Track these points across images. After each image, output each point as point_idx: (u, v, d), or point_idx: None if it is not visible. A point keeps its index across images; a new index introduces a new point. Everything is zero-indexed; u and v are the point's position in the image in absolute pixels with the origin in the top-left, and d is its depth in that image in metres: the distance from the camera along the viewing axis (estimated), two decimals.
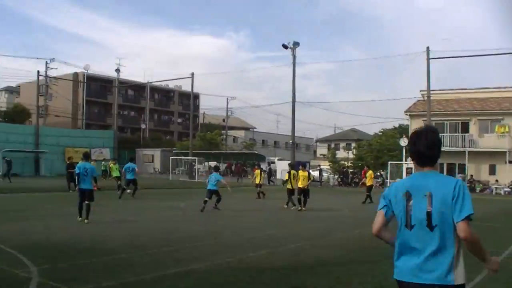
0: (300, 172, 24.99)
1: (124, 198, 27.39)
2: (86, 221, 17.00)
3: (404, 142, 54.96)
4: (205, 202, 22.54)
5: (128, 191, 28.58)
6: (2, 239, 12.72)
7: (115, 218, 18.93)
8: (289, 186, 25.74)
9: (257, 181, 32.70)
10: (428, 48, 51.06)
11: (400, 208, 4.34)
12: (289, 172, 26.19)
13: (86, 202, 17.31)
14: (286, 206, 25.46)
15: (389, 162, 55.60)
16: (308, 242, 14.30)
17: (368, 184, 31.48)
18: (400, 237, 4.35)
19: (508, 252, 13.46)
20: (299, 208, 24.06)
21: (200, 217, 20.29)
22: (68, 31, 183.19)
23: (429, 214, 4.18)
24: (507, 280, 9.68)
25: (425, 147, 4.39)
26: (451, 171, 56.37)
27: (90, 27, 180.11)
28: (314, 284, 9.12)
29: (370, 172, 32.80)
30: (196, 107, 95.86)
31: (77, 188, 18.25)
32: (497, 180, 52.49)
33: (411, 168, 53.52)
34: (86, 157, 18.74)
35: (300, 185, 24.67)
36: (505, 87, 58.42)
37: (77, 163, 19.05)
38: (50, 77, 72.86)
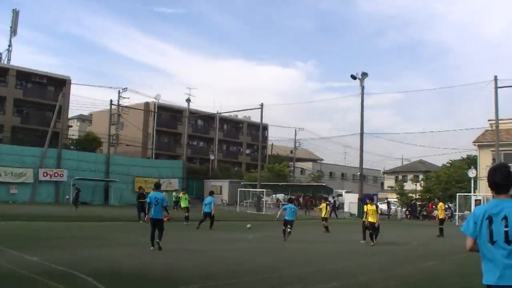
0: (368, 206, 24.38)
1: (191, 229, 27.89)
2: (158, 245, 17.67)
3: (472, 173, 54.31)
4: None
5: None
6: (76, 266, 13.12)
7: (185, 248, 19.32)
8: (365, 219, 24.64)
9: (323, 215, 32.45)
10: (496, 77, 50.50)
11: (485, 229, 5.43)
12: (365, 205, 25.29)
13: (158, 231, 18.01)
14: (363, 241, 24.31)
15: (457, 194, 54.62)
16: (378, 275, 14.37)
17: (440, 217, 31.30)
18: (485, 254, 5.43)
19: None
20: (371, 243, 23.32)
21: (268, 249, 20.55)
22: (139, 60, 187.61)
23: (506, 233, 5.29)
24: None
25: (501, 178, 5.60)
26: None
27: (161, 57, 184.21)
28: None
29: (441, 204, 32.54)
30: (265, 138, 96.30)
31: (146, 218, 18.90)
32: None
33: (480, 200, 52.95)
34: (157, 187, 19.71)
35: (370, 219, 23.90)
36: None
37: (148, 193, 19.69)
38: (122, 106, 74.54)
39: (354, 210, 57.52)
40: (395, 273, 14.91)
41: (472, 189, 55.76)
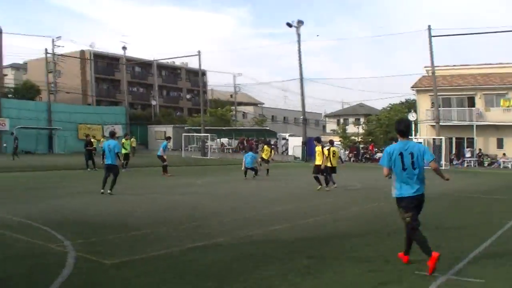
0: (317, 148, 23.76)
1: (142, 175, 28.18)
2: (109, 191, 18.82)
3: (413, 116, 55.26)
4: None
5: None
6: (33, 217, 13.33)
7: (137, 194, 19.62)
8: (328, 164, 23.76)
9: (266, 157, 32.49)
10: (429, 26, 51.88)
11: (397, 160, 8.76)
12: (328, 149, 24.41)
13: (112, 176, 19.15)
14: (327, 188, 23.12)
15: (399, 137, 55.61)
16: (327, 215, 15.03)
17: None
18: (398, 176, 8.81)
19: None
20: (326, 188, 22.92)
21: (218, 194, 21.02)
22: (72, 9, 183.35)
23: (413, 163, 8.71)
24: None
25: (404, 127, 9.15)
26: (459, 146, 56.98)
27: (92, 5, 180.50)
28: (331, 253, 9.80)
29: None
30: (204, 84, 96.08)
31: (102, 163, 19.51)
32: (504, 154, 52.92)
33: (421, 142, 54.08)
34: (112, 135, 20.92)
35: (317, 162, 23.42)
36: (507, 63, 58.69)
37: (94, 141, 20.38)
38: (58, 55, 73.32)
39: (298, 154, 58.39)
40: (343, 213, 15.52)
41: (413, 132, 56.98)
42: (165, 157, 30.52)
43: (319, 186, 22.77)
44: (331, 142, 25.22)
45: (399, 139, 9.03)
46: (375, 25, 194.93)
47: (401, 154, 8.69)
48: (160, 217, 14.11)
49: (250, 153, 30.54)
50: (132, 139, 57.69)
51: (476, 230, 12.91)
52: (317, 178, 23.09)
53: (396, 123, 9.51)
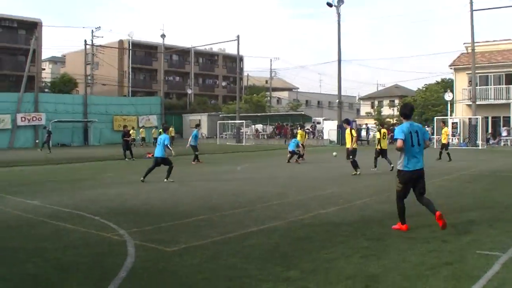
0: (347, 131, 22.98)
1: (179, 164, 28.36)
2: (165, 180, 19.77)
3: (449, 96, 54.93)
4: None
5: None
6: (79, 207, 13.46)
7: (178, 183, 19.60)
8: (377, 146, 24.29)
9: (303, 141, 32.45)
10: (471, 0, 50.68)
11: (408, 138, 10.02)
12: (379, 130, 24.99)
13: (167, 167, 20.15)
14: (354, 172, 22.33)
15: (434, 117, 55.23)
16: (371, 198, 14.91)
17: (443, 141, 31.32)
18: (408, 151, 10.09)
19: None
20: (353, 172, 22.32)
21: (259, 179, 21.06)
22: None
23: (418, 140, 10.11)
24: None
25: (409, 111, 10.52)
26: (495, 125, 56.27)
27: None
28: (388, 235, 9.79)
29: (446, 129, 32.43)
30: (240, 70, 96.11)
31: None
32: None
33: (456, 122, 53.81)
34: (164, 129, 22.23)
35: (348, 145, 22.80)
36: None
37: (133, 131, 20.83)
38: (96, 46, 73.92)
39: (333, 137, 58.27)
40: (387, 195, 15.41)
41: (449, 112, 56.49)
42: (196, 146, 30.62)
43: (354, 172, 22.04)
44: (382, 124, 25.22)
45: (404, 121, 10.44)
46: (414, 2, 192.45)
47: (410, 132, 10.05)
48: (207, 203, 14.15)
49: (295, 139, 31.12)
50: (171, 129, 58.48)
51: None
52: (354, 162, 22.28)
53: (401, 107, 10.95)
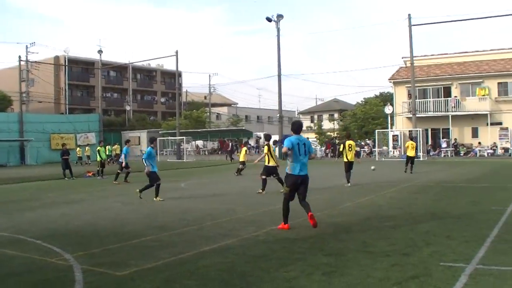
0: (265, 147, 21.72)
1: (120, 181, 27.72)
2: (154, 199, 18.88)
3: (389, 109, 55.73)
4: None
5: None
6: (19, 230, 12.79)
7: (124, 201, 19.03)
8: (344, 159, 23.25)
9: (242, 158, 32.67)
10: (409, 15, 51.68)
11: (296, 148, 11.69)
12: (344, 143, 23.85)
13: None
14: (348, 184, 22.71)
15: (376, 130, 56.00)
16: (322, 212, 14.60)
17: (409, 154, 30.31)
18: (295, 159, 11.72)
19: (511, 208, 14.46)
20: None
21: (206, 196, 20.57)
22: (45, 14, 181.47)
23: (305, 151, 11.82)
24: None
25: (297, 127, 12.28)
26: (435, 136, 57.41)
27: (65, 9, 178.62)
28: (346, 250, 9.51)
29: (411, 142, 31.08)
30: (179, 86, 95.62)
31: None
32: (479, 143, 53.49)
33: (397, 135, 54.59)
34: (151, 141, 20.45)
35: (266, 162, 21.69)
36: (483, 50, 60.02)
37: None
38: (31, 62, 72.14)
39: (276, 152, 58.04)
40: (338, 209, 15.24)
41: (389, 125, 57.22)
42: (123, 164, 29.24)
43: (260, 190, 20.68)
44: (347, 136, 24.99)
45: (293, 135, 12.26)
46: (352, 18, 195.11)
47: (298, 143, 11.84)
48: (154, 222, 13.64)
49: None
50: (116, 146, 57.68)
51: (477, 219, 12.90)
52: (264, 180, 20.96)
53: (291, 124, 12.68)
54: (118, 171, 29.38)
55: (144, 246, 10.46)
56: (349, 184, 22.69)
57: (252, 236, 11.14)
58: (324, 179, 26.48)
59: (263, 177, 20.97)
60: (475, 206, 15.32)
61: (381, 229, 11.52)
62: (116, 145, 60.86)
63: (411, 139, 26.81)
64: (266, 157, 21.20)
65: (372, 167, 32.18)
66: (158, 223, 13.50)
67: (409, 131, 53.51)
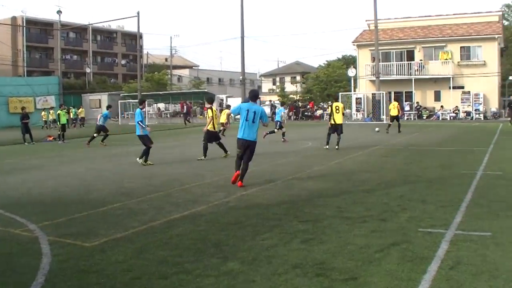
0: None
1: (82, 147, 27.19)
2: (138, 160, 18.56)
3: (352, 72, 55.68)
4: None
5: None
6: None
7: (87, 167, 18.55)
8: (331, 121, 22.79)
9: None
10: None
11: (244, 114, 12.78)
12: (331, 105, 23.59)
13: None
14: (326, 147, 22.45)
15: (339, 93, 55.94)
16: (293, 176, 14.47)
17: (393, 114, 32.45)
18: (242, 124, 12.85)
19: (480, 172, 14.41)
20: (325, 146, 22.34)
21: (170, 160, 20.18)
22: None
23: (253, 118, 12.77)
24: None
25: (253, 95, 13.47)
26: (398, 100, 57.49)
27: None
28: (321, 215, 9.30)
29: (394, 103, 33.31)
30: (140, 48, 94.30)
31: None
32: (442, 106, 53.84)
33: (360, 98, 54.68)
34: (140, 103, 20.16)
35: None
36: (446, 15, 60.37)
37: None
38: None
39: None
40: (308, 173, 15.04)
41: (352, 87, 57.20)
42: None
43: (201, 157, 19.73)
44: (335, 98, 24.98)
45: (250, 102, 13.43)
46: None
47: (247, 110, 12.97)
48: (120, 189, 13.21)
49: (282, 108, 33.50)
50: (81, 109, 56.48)
51: (449, 183, 12.88)
52: (205, 145, 20.00)
53: (249, 92, 14.27)
54: (94, 134, 29.07)
55: (112, 214, 10.06)
56: (327, 147, 22.37)
57: (223, 202, 10.85)
58: (290, 143, 26.25)
59: (203, 142, 20.07)
60: (446, 170, 15.27)
61: (355, 194, 11.33)
62: (81, 109, 59.80)
63: (396, 101, 27.25)
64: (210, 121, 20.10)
65: (377, 129, 33.29)
66: (124, 189, 13.12)
67: (372, 94, 53.69)
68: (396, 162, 17.41)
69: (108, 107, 32.58)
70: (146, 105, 29.23)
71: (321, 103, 64.34)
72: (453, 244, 7.25)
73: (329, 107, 24.24)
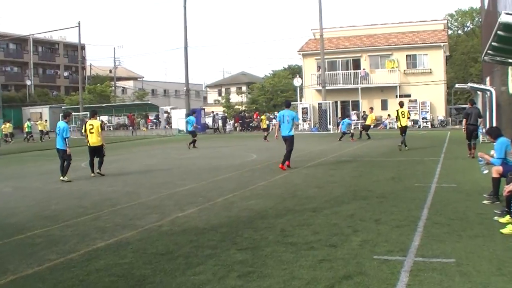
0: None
1: (16, 163, 25.75)
2: (61, 178, 17.53)
3: (298, 81, 55.18)
4: None
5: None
6: None
7: (16, 186, 17.13)
8: (398, 124, 26.31)
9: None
10: None
11: (284, 119, 18.72)
12: (397, 110, 26.20)
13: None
14: (406, 147, 25.58)
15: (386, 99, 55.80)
16: (234, 193, 13.36)
17: (367, 123, 34.63)
18: (281, 126, 18.74)
19: (434, 184, 13.37)
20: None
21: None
22: None
23: (288, 120, 18.66)
24: None
25: (286, 105, 20.22)
26: (344, 109, 57.41)
27: None
28: (263, 241, 8.31)
29: (371, 114, 34.98)
30: (83, 59, 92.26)
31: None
32: (389, 115, 53.67)
33: (306, 108, 54.14)
34: (65, 116, 19.18)
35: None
36: (392, 23, 60.82)
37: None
38: None
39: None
40: (251, 190, 13.99)
41: (299, 97, 56.64)
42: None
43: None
44: (401, 104, 26.76)
45: (285, 109, 19.35)
46: None
47: (282, 116, 18.74)
48: (45, 211, 11.96)
49: (346, 119, 36.52)
50: (8, 125, 53.39)
51: (403, 198, 12.03)
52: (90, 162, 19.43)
53: (285, 101, 21.41)
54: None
55: (29, 243, 8.84)
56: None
57: (154, 227, 9.73)
58: (233, 156, 25.30)
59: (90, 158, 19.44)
60: (398, 183, 14.46)
61: (300, 213, 10.35)
62: (8, 124, 56.89)
63: (402, 106, 26.59)
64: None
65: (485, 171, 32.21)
66: (50, 211, 11.87)
67: (319, 104, 53.20)
68: (345, 175, 16.50)
69: (192, 113, 35.93)
70: (72, 118, 28.11)
71: (267, 113, 63.74)
72: (414, 276, 6.34)
73: (396, 112, 26.49)
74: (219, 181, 16.12)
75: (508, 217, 9.01)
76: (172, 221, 10.18)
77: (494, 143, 11.28)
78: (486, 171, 11.58)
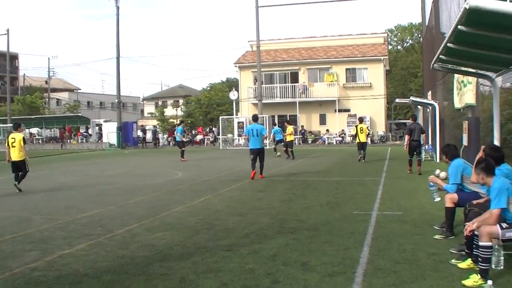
0: None
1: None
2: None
3: (234, 95, 53.55)
4: None
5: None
6: None
7: None
8: (357, 140, 26.82)
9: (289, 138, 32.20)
10: None
11: (251, 132, 20.59)
12: (356, 126, 27.02)
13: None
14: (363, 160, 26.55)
15: (220, 117, 53.90)
16: (141, 223, 11.23)
17: (288, 139, 31.23)
18: (251, 139, 20.56)
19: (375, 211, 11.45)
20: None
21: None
22: None
23: (257, 133, 20.49)
24: None
25: (254, 118, 22.87)
26: (282, 124, 55.96)
27: None
28: None
29: (290, 127, 31.95)
30: (15, 69, 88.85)
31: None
32: (328, 130, 52.93)
33: (242, 122, 52.46)
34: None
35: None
36: (331, 36, 60.31)
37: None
38: None
39: (114, 140, 54.17)
40: (162, 218, 11.88)
41: (235, 111, 54.91)
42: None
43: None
44: (360, 120, 27.71)
45: (253, 123, 21.20)
46: None
47: (251, 130, 20.29)
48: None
49: (276, 127, 36.25)
50: None
51: (339, 230, 10.10)
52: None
53: (253, 116, 23.05)
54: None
55: None
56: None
57: (27, 270, 7.62)
58: (157, 174, 23.24)
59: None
60: (333, 209, 12.51)
61: (212, 253, 8.30)
62: None
63: (361, 122, 27.36)
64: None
65: (278, 154, 31.92)
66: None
67: (232, 118, 51.54)
68: (274, 199, 14.47)
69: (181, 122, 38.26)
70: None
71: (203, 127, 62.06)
72: None
73: (355, 128, 27.72)
74: (130, 205, 13.93)
75: (469, 261, 7.16)
76: (50, 263, 8.04)
77: (449, 164, 9.44)
78: (438, 199, 9.71)
